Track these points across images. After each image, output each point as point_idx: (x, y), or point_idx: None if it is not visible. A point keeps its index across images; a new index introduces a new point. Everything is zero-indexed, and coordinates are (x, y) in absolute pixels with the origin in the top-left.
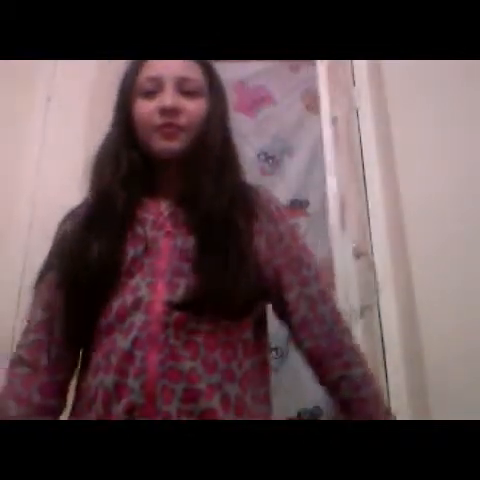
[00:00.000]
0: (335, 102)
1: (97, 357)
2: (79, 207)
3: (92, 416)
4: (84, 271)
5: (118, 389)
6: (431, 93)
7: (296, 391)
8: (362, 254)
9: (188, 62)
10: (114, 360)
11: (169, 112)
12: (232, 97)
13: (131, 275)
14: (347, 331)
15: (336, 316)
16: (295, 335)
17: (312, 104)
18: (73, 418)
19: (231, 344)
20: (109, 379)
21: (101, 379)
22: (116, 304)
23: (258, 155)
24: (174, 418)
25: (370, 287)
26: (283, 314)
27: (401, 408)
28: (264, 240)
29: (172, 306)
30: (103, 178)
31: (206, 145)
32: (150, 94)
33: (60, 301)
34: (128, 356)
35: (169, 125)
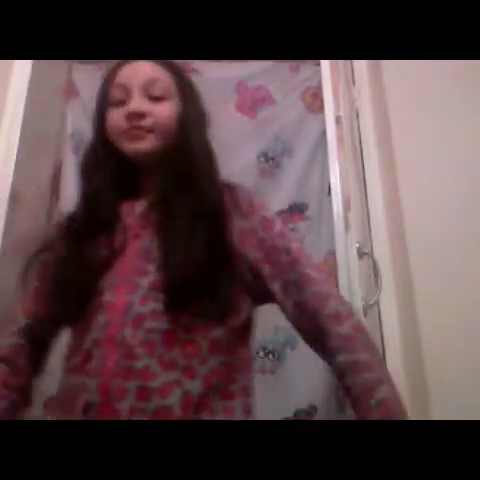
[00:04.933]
0: (338, 101)
1: (68, 357)
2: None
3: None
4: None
5: (79, 388)
6: (432, 93)
7: (292, 392)
8: (365, 254)
9: (156, 66)
10: (78, 360)
11: (134, 116)
12: (232, 97)
13: (99, 277)
14: (342, 305)
15: (328, 291)
16: (293, 322)
17: (312, 104)
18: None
19: (192, 342)
20: (74, 379)
21: (67, 379)
22: (86, 306)
23: (258, 156)
24: (125, 416)
25: (372, 287)
26: (279, 305)
27: None
28: (237, 237)
29: (131, 305)
30: (87, 185)
31: (179, 147)
32: (119, 103)
33: (41, 309)
34: (89, 356)
35: (135, 128)
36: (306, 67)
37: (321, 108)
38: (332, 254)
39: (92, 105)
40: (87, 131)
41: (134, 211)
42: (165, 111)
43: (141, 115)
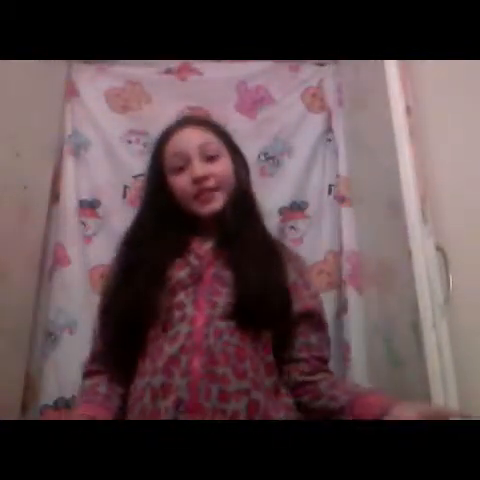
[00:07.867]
0: (407, 92)
1: (144, 362)
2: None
3: (136, 412)
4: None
5: (164, 387)
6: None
7: None
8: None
9: (203, 130)
10: (160, 364)
11: (200, 180)
12: (232, 97)
13: (175, 293)
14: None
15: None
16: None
17: (312, 104)
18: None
19: (256, 360)
20: (156, 380)
21: (148, 380)
22: (164, 317)
23: (258, 156)
24: (209, 415)
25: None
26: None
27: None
28: (291, 284)
29: (211, 319)
30: (158, 227)
31: (236, 197)
32: (180, 170)
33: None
34: (174, 360)
35: (203, 191)
36: (306, 67)
37: (321, 108)
38: (332, 253)
39: (92, 105)
40: (86, 131)
41: (204, 246)
42: (222, 168)
43: (206, 178)
